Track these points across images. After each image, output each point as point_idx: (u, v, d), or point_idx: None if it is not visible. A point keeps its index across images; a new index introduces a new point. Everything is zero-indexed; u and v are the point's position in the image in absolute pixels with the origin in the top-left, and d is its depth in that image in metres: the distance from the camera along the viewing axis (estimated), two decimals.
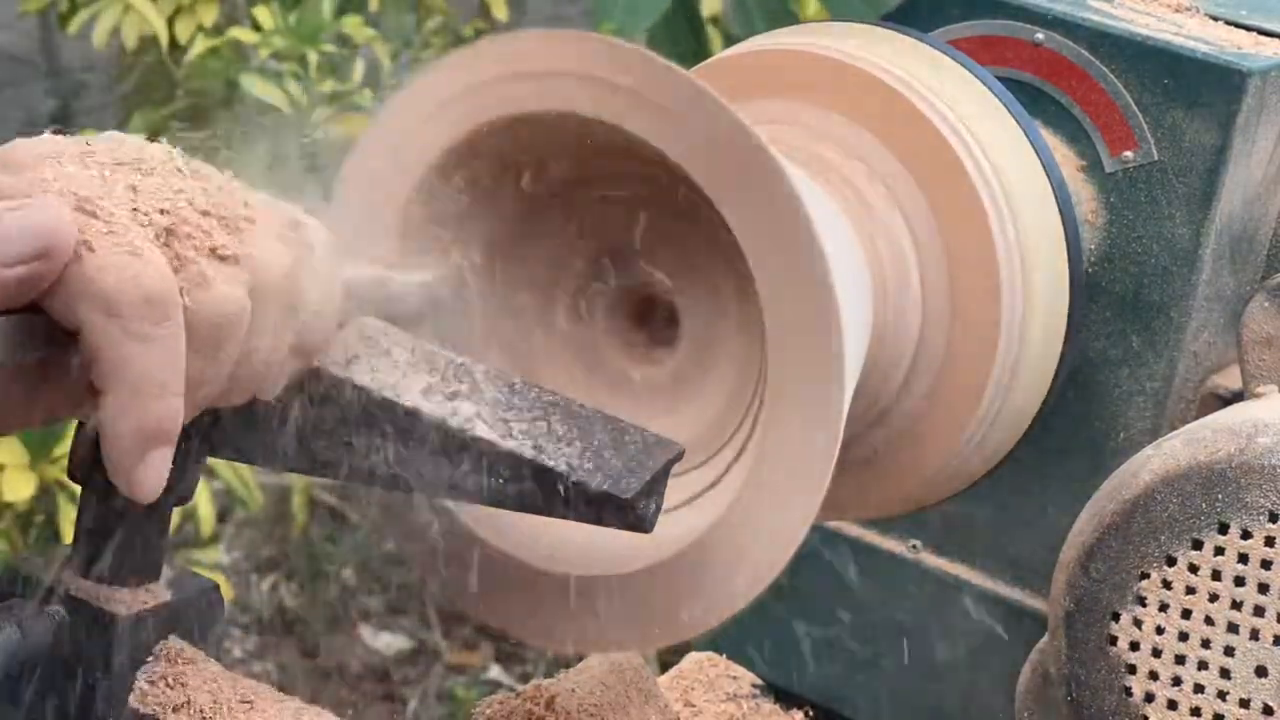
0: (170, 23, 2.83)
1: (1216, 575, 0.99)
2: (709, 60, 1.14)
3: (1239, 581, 0.98)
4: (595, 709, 1.00)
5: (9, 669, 0.82)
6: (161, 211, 0.78)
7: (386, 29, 3.18)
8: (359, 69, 2.99)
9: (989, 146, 1.08)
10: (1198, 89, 1.15)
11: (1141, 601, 1.00)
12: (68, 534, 2.22)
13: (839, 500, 0.97)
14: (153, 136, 0.84)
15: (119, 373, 0.76)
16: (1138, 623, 1.00)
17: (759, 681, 1.29)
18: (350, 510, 3.49)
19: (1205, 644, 0.99)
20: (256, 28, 2.85)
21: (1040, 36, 1.17)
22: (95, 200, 0.76)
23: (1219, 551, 0.99)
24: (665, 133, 0.91)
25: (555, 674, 1.02)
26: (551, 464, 0.84)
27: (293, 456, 0.86)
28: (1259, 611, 0.98)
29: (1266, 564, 0.98)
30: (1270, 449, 0.98)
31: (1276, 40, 1.21)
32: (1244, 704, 0.98)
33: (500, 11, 3.29)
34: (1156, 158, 1.16)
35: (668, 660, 1.31)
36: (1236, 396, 1.17)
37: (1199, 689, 0.99)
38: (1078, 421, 1.20)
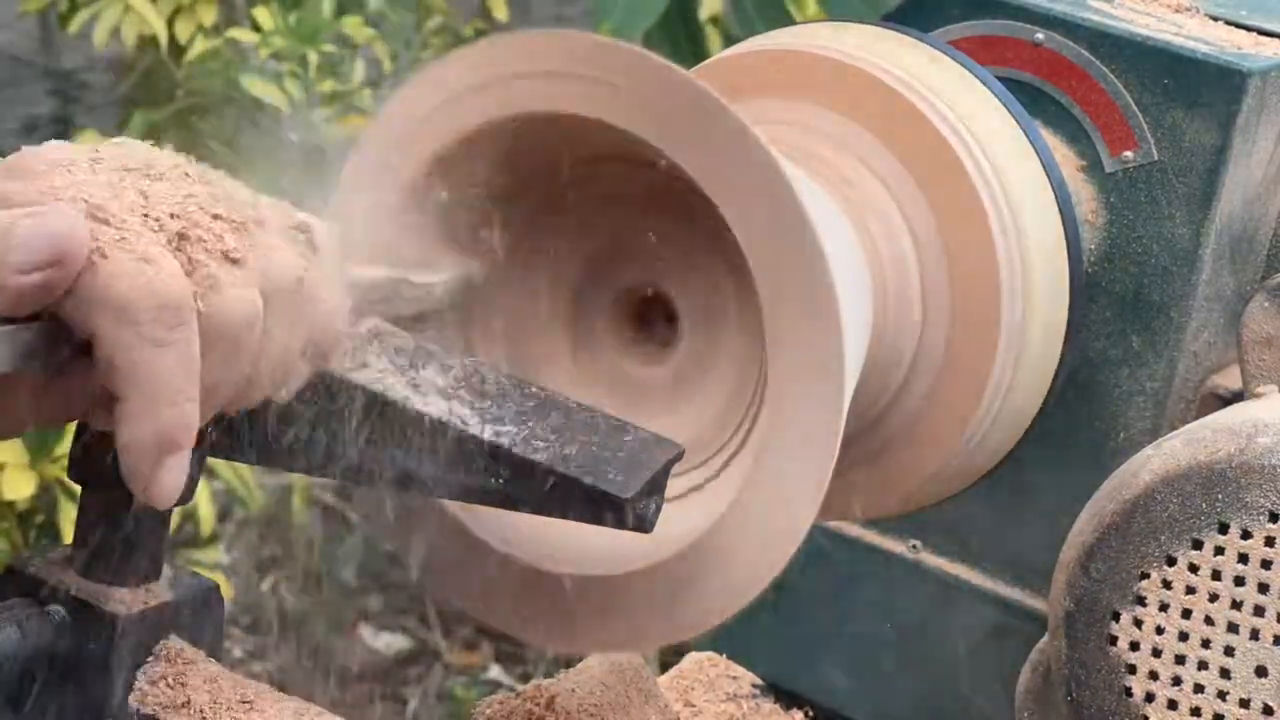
0: (170, 23, 2.83)
1: (1216, 575, 0.99)
2: (708, 60, 1.14)
3: (1239, 581, 0.98)
4: (595, 709, 1.00)
5: (9, 669, 0.82)
6: (172, 216, 0.78)
7: (386, 29, 3.18)
8: (359, 69, 2.99)
9: (989, 146, 1.08)
10: (1198, 89, 1.15)
11: (1141, 601, 1.00)
12: (68, 533, 2.22)
13: (839, 500, 0.97)
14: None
15: (134, 379, 0.76)
16: (1138, 623, 1.00)
17: (759, 681, 1.29)
18: (350, 510, 3.49)
19: (1205, 644, 0.99)
20: (256, 28, 2.84)
21: (1040, 36, 1.17)
22: (107, 207, 0.76)
23: (1219, 551, 0.99)
24: (665, 133, 0.91)
25: (555, 674, 1.02)
26: (551, 464, 0.84)
27: (294, 457, 0.86)
28: (1259, 611, 0.98)
29: (1266, 564, 0.98)
30: (1270, 449, 0.98)
31: (1276, 40, 1.21)
32: (1244, 704, 0.98)
33: (500, 12, 3.29)
34: (1156, 158, 1.16)
35: (668, 660, 1.31)
36: (1236, 396, 1.17)
37: (1199, 689, 0.99)
38: (1078, 421, 1.19)
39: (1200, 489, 0.99)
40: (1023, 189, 1.08)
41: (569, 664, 1.05)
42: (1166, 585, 1.00)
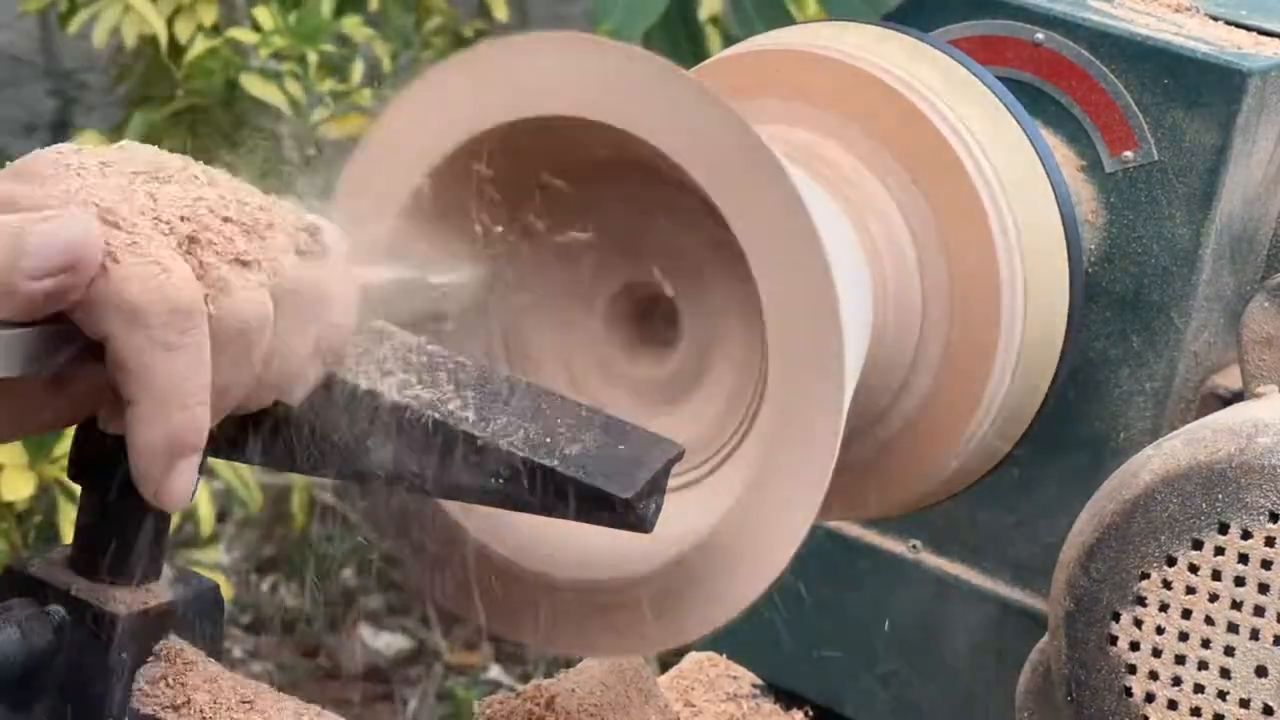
0: (170, 23, 2.83)
1: (1217, 575, 0.99)
2: (708, 60, 1.14)
3: (1239, 581, 0.98)
4: (595, 709, 1.00)
5: (9, 670, 0.82)
6: (182, 219, 0.78)
7: (386, 29, 3.18)
8: (359, 69, 3.00)
9: (989, 146, 1.07)
10: (1198, 89, 1.15)
11: (1141, 601, 1.00)
12: (67, 533, 2.22)
13: (839, 500, 0.97)
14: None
15: (146, 383, 0.76)
16: (1138, 623, 1.00)
17: (759, 681, 1.29)
18: (350, 510, 3.48)
19: (1205, 644, 0.99)
20: (256, 28, 2.85)
21: (1040, 36, 1.17)
22: (118, 211, 0.76)
23: (1219, 551, 0.99)
24: (665, 133, 0.91)
25: (555, 674, 1.02)
26: (551, 464, 0.84)
27: (293, 457, 0.86)
28: (1259, 611, 0.98)
29: (1266, 564, 0.98)
30: (1270, 449, 0.98)
31: (1276, 40, 1.21)
32: (1244, 704, 0.98)
33: (500, 12, 3.29)
34: (1156, 158, 1.16)
35: (668, 660, 1.31)
36: (1236, 396, 1.17)
37: (1199, 689, 0.99)
38: (1078, 421, 1.19)
39: (1200, 489, 0.99)
40: (1023, 189, 1.08)
41: (569, 664, 1.05)
42: (1166, 585, 1.00)
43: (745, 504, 0.91)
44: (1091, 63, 1.16)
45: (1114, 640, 1.01)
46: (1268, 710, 0.98)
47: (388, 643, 3.32)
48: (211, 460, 0.85)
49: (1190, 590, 0.99)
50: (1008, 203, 1.07)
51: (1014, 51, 1.18)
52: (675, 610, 0.92)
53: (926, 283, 1.06)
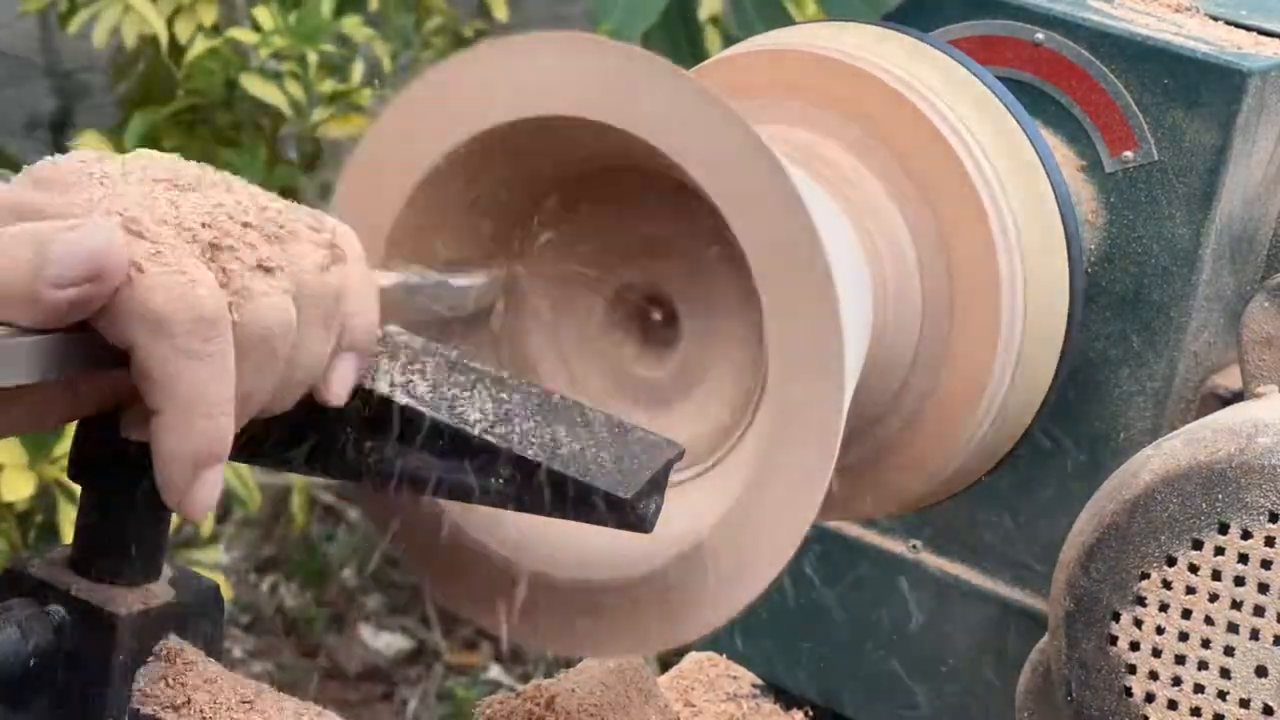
0: (170, 23, 2.83)
1: (1216, 575, 0.99)
2: (708, 60, 1.14)
3: (1239, 581, 0.98)
4: (595, 709, 1.00)
5: (9, 670, 0.82)
6: (204, 226, 0.78)
7: (386, 29, 3.18)
8: (359, 69, 3.00)
9: (989, 146, 1.07)
10: (1198, 89, 1.15)
11: (1141, 601, 1.00)
12: (67, 534, 2.22)
13: (839, 500, 0.97)
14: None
15: (171, 392, 0.76)
16: (1138, 623, 1.00)
17: (759, 681, 1.29)
18: (350, 510, 3.49)
19: (1205, 644, 0.99)
20: (256, 28, 2.85)
21: (1040, 36, 1.17)
22: (141, 220, 0.77)
23: (1219, 551, 0.99)
24: (665, 133, 0.91)
25: (555, 674, 1.02)
26: (551, 464, 0.84)
27: (297, 459, 0.86)
28: (1259, 611, 0.98)
29: (1266, 564, 0.98)
30: (1270, 449, 0.98)
31: (1276, 40, 1.21)
32: (1244, 704, 0.98)
33: (500, 12, 3.29)
34: (1156, 158, 1.16)
35: (668, 660, 1.31)
36: (1236, 396, 1.17)
37: (1199, 689, 0.99)
38: (1078, 421, 1.19)
39: (1200, 489, 0.99)
40: (1023, 189, 1.08)
41: (569, 664, 1.05)
42: (1166, 585, 1.00)
43: (745, 504, 0.91)
44: (1091, 63, 1.16)
45: (1114, 640, 1.01)
46: (1268, 710, 0.98)
47: (388, 643, 3.32)
48: None
49: (1190, 590, 0.99)
50: (1008, 203, 1.07)
51: (1014, 51, 1.18)
52: (675, 610, 0.92)
53: (926, 283, 1.06)
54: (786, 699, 1.29)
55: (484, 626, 0.96)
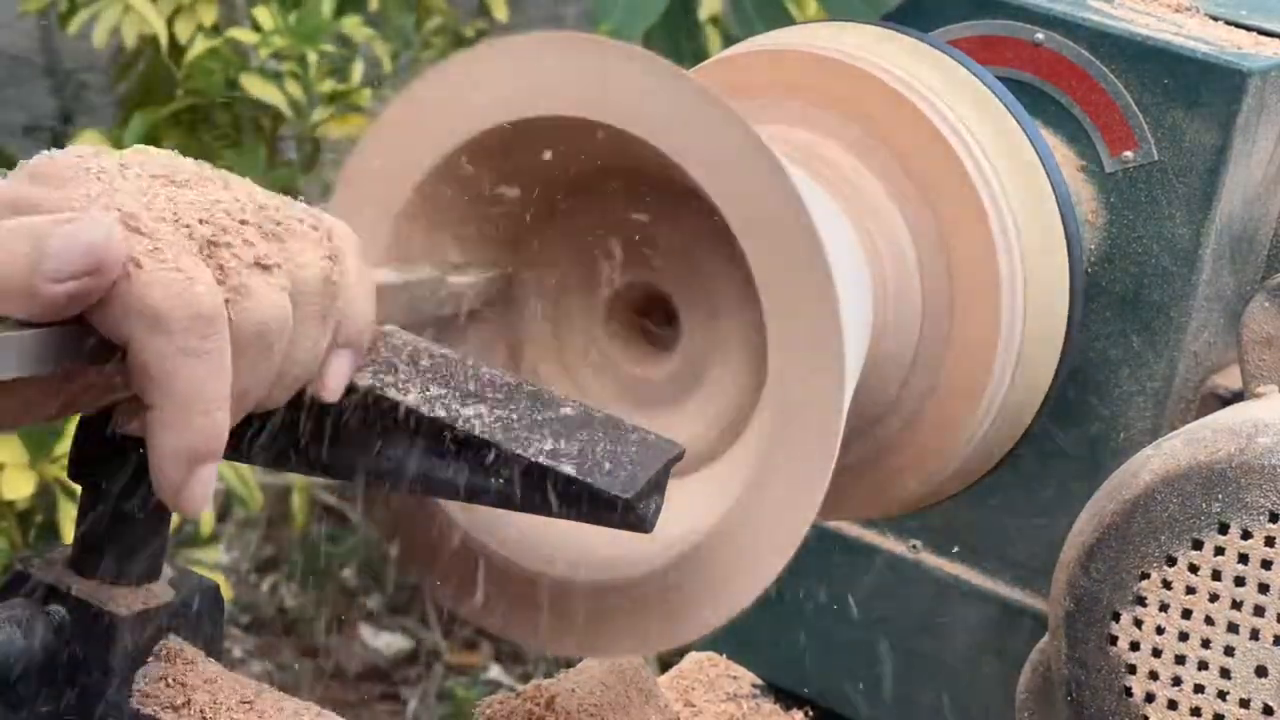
0: (170, 23, 2.83)
1: (1217, 575, 0.99)
2: (708, 60, 1.14)
3: (1239, 581, 0.98)
4: (595, 709, 1.00)
5: (9, 669, 0.82)
6: (201, 222, 0.78)
7: (386, 29, 3.18)
8: (359, 69, 3.00)
9: (989, 146, 1.08)
10: (1198, 89, 1.15)
11: (1141, 601, 1.00)
12: (68, 533, 2.22)
13: (839, 500, 0.97)
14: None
15: (167, 388, 0.76)
16: (1138, 623, 1.00)
17: (759, 681, 1.29)
18: (350, 510, 3.49)
19: (1205, 644, 0.99)
20: (256, 28, 2.85)
21: (1040, 36, 1.17)
22: (139, 216, 0.77)
23: (1219, 551, 0.99)
24: (665, 133, 0.91)
25: (555, 674, 1.02)
26: (551, 464, 0.84)
27: (293, 457, 0.86)
28: (1259, 611, 0.98)
29: (1266, 564, 0.98)
30: (1270, 449, 0.98)
31: (1276, 40, 1.21)
32: (1244, 704, 0.98)
33: (500, 12, 3.29)
34: (1156, 158, 1.16)
35: (668, 660, 1.31)
36: (1236, 396, 1.17)
37: (1199, 689, 0.99)
38: (1078, 421, 1.20)
39: (1200, 489, 0.99)
40: (1023, 189, 1.08)
41: (569, 664, 1.05)
42: (1166, 585, 1.00)
43: (745, 504, 0.91)
44: (1091, 63, 1.16)
45: (1114, 640, 1.01)
46: (1268, 710, 0.98)
47: (388, 643, 3.32)
48: None
49: (1190, 590, 0.99)
50: (1008, 203, 1.07)
51: (1014, 51, 1.18)
52: (675, 610, 0.92)
53: (926, 283, 1.06)
54: (786, 699, 1.29)
55: (483, 627, 0.96)
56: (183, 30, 2.83)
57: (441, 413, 0.85)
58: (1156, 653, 1.00)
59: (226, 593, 1.87)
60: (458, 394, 0.86)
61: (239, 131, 2.92)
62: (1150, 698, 1.00)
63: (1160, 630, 1.00)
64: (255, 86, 2.81)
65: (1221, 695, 0.99)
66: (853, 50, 1.08)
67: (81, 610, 0.84)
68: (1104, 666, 1.01)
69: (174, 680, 0.85)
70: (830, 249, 0.90)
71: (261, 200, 0.82)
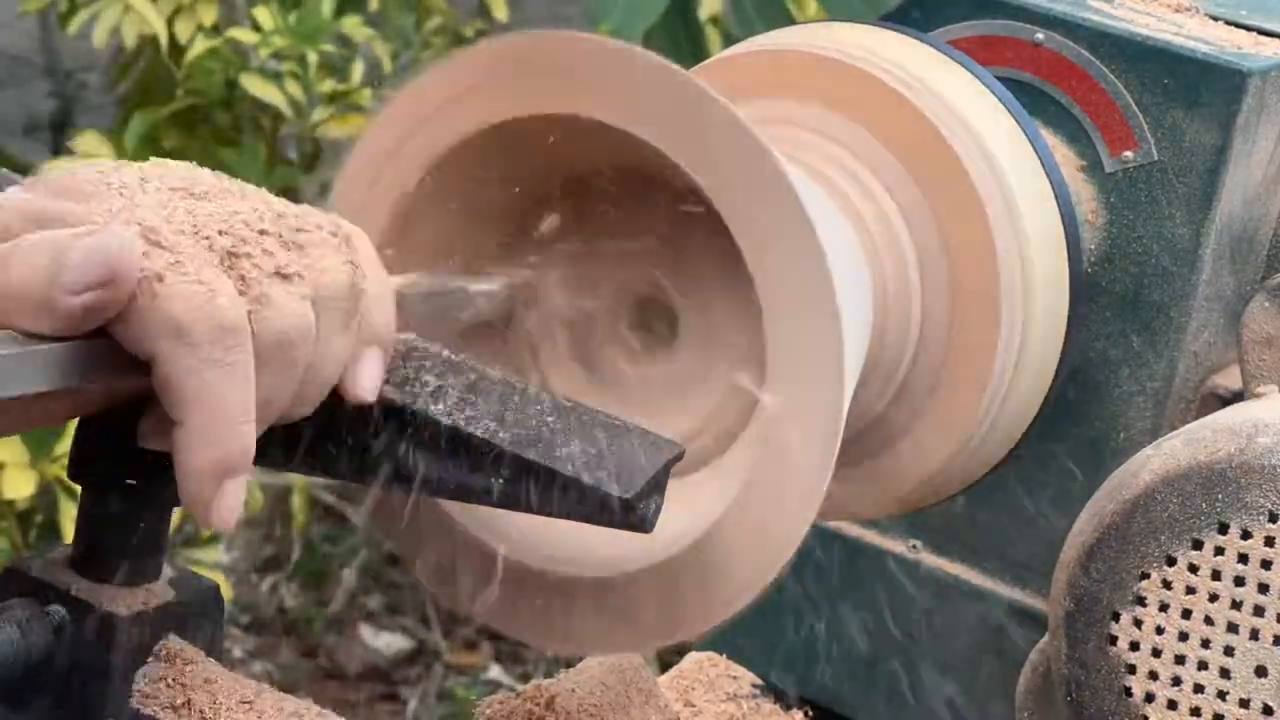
0: (170, 23, 2.83)
1: (1216, 575, 0.99)
2: (708, 60, 1.14)
3: (1239, 581, 0.98)
4: (595, 709, 1.00)
5: (9, 670, 0.82)
6: (221, 234, 0.78)
7: (386, 29, 3.18)
8: (359, 69, 3.00)
9: (989, 146, 1.07)
10: (1198, 89, 1.15)
11: (1141, 601, 1.00)
12: (68, 533, 2.22)
13: (839, 500, 0.97)
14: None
15: (194, 402, 0.76)
16: (1138, 623, 1.00)
17: (759, 681, 1.28)
18: (350, 510, 3.49)
19: (1205, 644, 0.99)
20: (256, 28, 2.85)
21: (1040, 36, 1.17)
22: (160, 229, 0.77)
23: (1219, 551, 0.99)
24: (665, 133, 0.91)
25: (555, 674, 1.02)
26: (552, 464, 0.84)
27: (292, 456, 0.86)
28: (1259, 611, 0.98)
29: (1266, 564, 0.98)
30: (1270, 449, 0.98)
31: (1276, 40, 1.21)
32: (1244, 704, 0.98)
33: (500, 12, 3.29)
34: (1156, 158, 1.16)
35: (668, 660, 1.31)
36: (1236, 396, 1.17)
37: (1199, 689, 0.99)
38: (1078, 421, 1.20)
39: (1200, 489, 0.99)
40: (1023, 189, 1.08)
41: (569, 664, 1.05)
42: (1166, 585, 1.00)
43: (744, 503, 0.91)
44: (1091, 63, 1.16)
45: (1114, 640, 1.01)
46: (1267, 710, 0.98)
47: (388, 643, 3.32)
48: None
49: (1190, 590, 0.99)
50: (1007, 203, 1.07)
51: (1014, 51, 1.18)
52: (674, 609, 0.92)
53: (926, 283, 1.06)
54: (786, 699, 1.29)
55: (485, 625, 0.96)
56: (183, 30, 2.83)
57: (443, 414, 0.85)
58: (1156, 653, 1.00)
59: (226, 593, 1.87)
60: (459, 395, 0.86)
61: (239, 131, 2.92)
62: (1150, 698, 1.00)
63: (1160, 630, 1.00)
64: (255, 86, 2.81)
65: (1221, 695, 0.99)
66: (853, 50, 1.08)
67: (81, 610, 0.84)
68: (1104, 666, 1.01)
69: (174, 680, 0.85)
70: (830, 249, 0.90)
71: (280, 210, 0.82)
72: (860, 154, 1.06)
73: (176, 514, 0.87)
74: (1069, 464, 1.20)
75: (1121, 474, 1.03)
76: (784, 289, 0.90)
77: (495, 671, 3.27)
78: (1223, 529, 0.99)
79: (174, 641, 0.86)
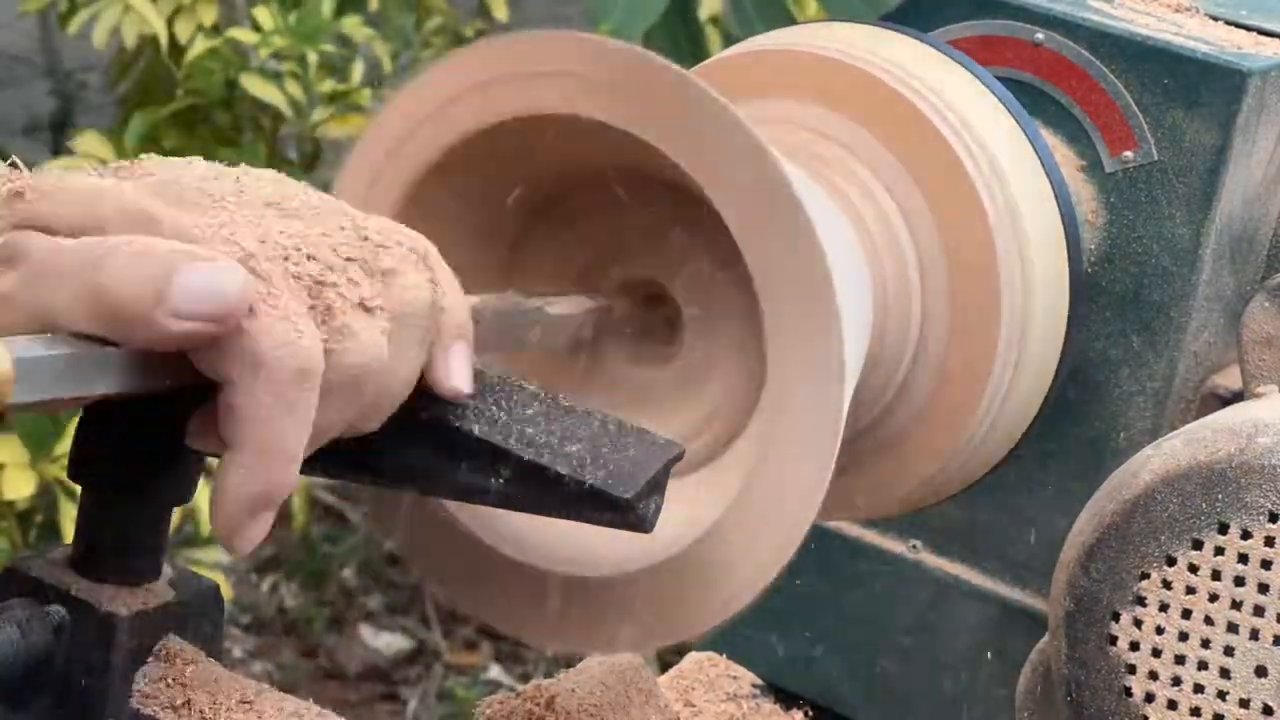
0: (170, 23, 2.83)
1: (1216, 575, 0.99)
2: (708, 60, 1.14)
3: (1239, 581, 0.98)
4: (595, 709, 0.99)
5: (9, 670, 0.82)
6: (310, 259, 0.78)
7: (386, 29, 3.18)
8: (359, 69, 3.00)
9: (989, 146, 1.07)
10: (1198, 89, 1.15)
11: (1141, 601, 1.00)
12: (68, 533, 2.22)
13: (839, 500, 0.97)
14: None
15: (253, 436, 0.76)
16: (1138, 623, 1.00)
17: (759, 681, 1.29)
18: (350, 510, 3.49)
19: (1205, 644, 0.99)
20: (256, 28, 2.85)
21: (1040, 36, 1.17)
22: (257, 256, 0.76)
23: (1219, 551, 0.99)
24: (665, 133, 0.91)
25: (555, 674, 1.02)
26: (551, 464, 0.84)
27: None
28: (1259, 611, 0.98)
29: (1266, 564, 0.98)
30: (1270, 449, 0.98)
31: (1276, 40, 1.21)
32: (1244, 704, 0.98)
33: (500, 12, 3.30)
34: (1156, 158, 1.16)
35: (668, 660, 1.31)
36: (1236, 396, 1.17)
37: (1199, 689, 0.99)
38: (1078, 421, 1.20)
39: (1200, 489, 0.99)
40: (1023, 189, 1.08)
41: (569, 664, 1.05)
42: (1166, 585, 1.00)
43: (744, 503, 0.91)
44: (1091, 63, 1.16)
45: (1114, 640, 1.01)
46: (1268, 710, 0.98)
47: (388, 643, 3.33)
48: (212, 460, 0.85)
49: (1190, 590, 0.99)
50: (1007, 203, 1.07)
51: (1014, 51, 1.18)
52: (674, 608, 0.92)
53: (926, 282, 1.06)
54: (786, 699, 1.29)
55: (486, 624, 0.96)
56: (183, 30, 2.83)
57: (435, 410, 0.85)
58: (1156, 653, 1.00)
59: (226, 593, 1.87)
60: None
61: (239, 131, 2.92)
62: (1150, 698, 1.00)
63: (1160, 630, 1.00)
64: (255, 86, 2.81)
65: (1221, 695, 0.99)
66: (853, 50, 1.08)
67: (81, 610, 0.84)
68: (1104, 666, 1.01)
69: (174, 680, 0.85)
70: (829, 249, 0.90)
71: (362, 227, 0.81)
72: (860, 154, 1.06)
73: (176, 514, 0.87)
74: (1069, 464, 1.20)
75: (1121, 474, 1.03)
76: (784, 289, 0.90)
77: (495, 671, 3.27)
78: (1223, 529, 0.99)
79: (174, 641, 0.86)
